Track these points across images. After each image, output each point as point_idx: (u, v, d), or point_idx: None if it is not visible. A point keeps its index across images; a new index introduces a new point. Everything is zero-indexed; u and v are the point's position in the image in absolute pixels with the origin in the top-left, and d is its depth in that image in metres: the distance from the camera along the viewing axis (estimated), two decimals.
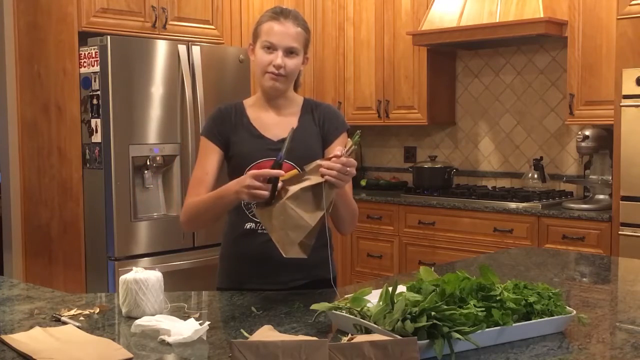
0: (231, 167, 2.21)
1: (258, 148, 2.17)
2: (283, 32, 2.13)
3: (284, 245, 1.89)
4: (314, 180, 1.89)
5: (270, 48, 2.14)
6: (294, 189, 1.89)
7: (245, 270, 2.21)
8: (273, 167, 1.91)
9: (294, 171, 2.14)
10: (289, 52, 2.15)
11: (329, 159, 1.89)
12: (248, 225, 2.18)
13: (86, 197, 3.97)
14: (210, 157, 2.21)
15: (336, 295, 2.04)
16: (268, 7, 2.33)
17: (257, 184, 1.89)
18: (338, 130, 2.24)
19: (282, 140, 2.15)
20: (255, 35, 2.19)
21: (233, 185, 2.00)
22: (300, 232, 1.88)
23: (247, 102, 2.28)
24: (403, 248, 4.67)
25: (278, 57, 2.13)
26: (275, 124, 2.21)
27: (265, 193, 1.89)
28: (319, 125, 2.23)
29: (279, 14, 2.16)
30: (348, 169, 1.87)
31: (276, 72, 2.14)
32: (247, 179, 1.91)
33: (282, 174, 1.90)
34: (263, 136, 2.20)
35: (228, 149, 2.22)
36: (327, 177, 1.87)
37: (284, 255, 1.90)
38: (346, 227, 2.19)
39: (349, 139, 1.92)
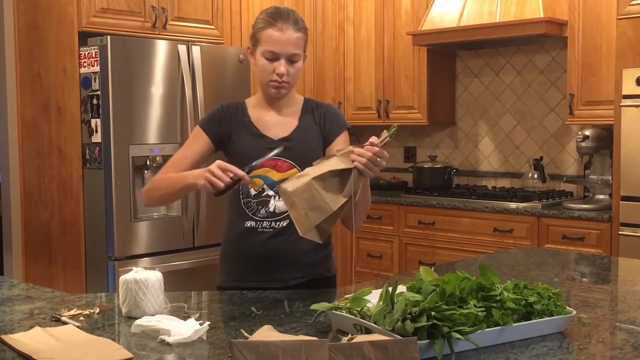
0: (231, 164, 2.22)
1: (258, 147, 2.17)
2: (284, 40, 2.12)
3: (302, 224, 1.89)
4: (343, 165, 1.88)
5: (273, 58, 2.14)
6: (321, 170, 1.88)
7: (246, 269, 2.22)
8: (244, 170, 1.97)
9: (294, 170, 2.15)
10: (291, 59, 2.15)
11: (363, 146, 1.88)
12: (248, 224, 2.19)
13: (86, 197, 3.97)
14: (196, 144, 2.24)
15: (336, 295, 2.04)
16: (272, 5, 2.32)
17: (219, 173, 1.92)
18: (339, 129, 2.25)
19: (283, 139, 2.17)
20: (255, 40, 2.18)
21: (197, 170, 2.05)
22: (320, 214, 1.88)
23: (249, 102, 2.29)
24: (403, 248, 4.67)
25: (281, 66, 2.14)
26: (276, 123, 2.22)
27: (220, 184, 1.92)
28: (319, 124, 2.24)
29: (277, 18, 2.13)
30: (379, 159, 1.87)
31: (280, 80, 2.15)
32: (212, 165, 1.96)
33: (247, 180, 1.96)
34: (264, 135, 2.21)
35: (222, 146, 2.24)
36: (356, 163, 1.87)
37: (300, 234, 1.90)
38: (358, 220, 2.19)
39: (384, 131, 1.90)
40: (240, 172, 1.94)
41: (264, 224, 2.17)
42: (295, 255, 2.17)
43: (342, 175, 1.88)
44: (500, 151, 4.93)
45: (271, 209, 2.17)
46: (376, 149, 1.86)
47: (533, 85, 4.73)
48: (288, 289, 2.15)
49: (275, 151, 2.06)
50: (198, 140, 2.23)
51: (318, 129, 2.23)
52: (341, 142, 2.23)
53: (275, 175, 2.17)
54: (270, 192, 2.16)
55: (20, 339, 1.60)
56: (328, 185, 1.87)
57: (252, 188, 2.18)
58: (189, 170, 2.13)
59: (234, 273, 2.25)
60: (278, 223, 2.16)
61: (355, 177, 1.88)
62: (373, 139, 1.88)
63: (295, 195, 1.87)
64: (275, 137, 2.20)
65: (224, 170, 1.94)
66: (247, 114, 2.25)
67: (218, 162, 1.97)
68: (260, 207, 2.17)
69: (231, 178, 1.94)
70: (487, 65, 4.95)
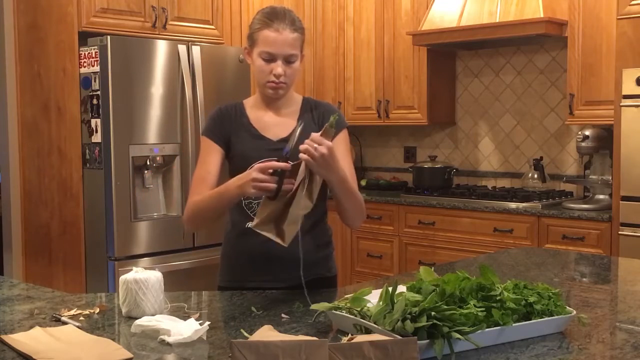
0: (232, 167, 2.21)
1: (258, 148, 2.17)
2: (281, 41, 2.11)
3: (257, 218, 1.92)
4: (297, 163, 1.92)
5: (269, 59, 2.13)
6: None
7: (246, 269, 2.22)
8: (279, 161, 1.92)
9: None
10: (288, 60, 2.15)
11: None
12: (249, 224, 2.18)
13: (86, 197, 3.97)
14: (211, 156, 2.21)
15: (336, 295, 2.04)
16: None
17: (263, 176, 1.89)
18: (338, 128, 2.24)
19: (283, 140, 2.15)
20: (252, 40, 2.17)
21: (235, 180, 2.01)
22: (271, 207, 1.90)
23: (247, 103, 2.28)
24: (403, 248, 4.67)
25: (278, 67, 2.13)
26: (275, 124, 2.22)
27: (272, 186, 1.88)
28: (318, 124, 2.23)
29: (273, 19, 2.12)
30: (315, 145, 1.87)
31: (277, 80, 2.14)
32: (252, 172, 1.91)
33: (288, 167, 1.89)
34: (263, 136, 2.20)
35: (229, 148, 2.22)
36: (300, 154, 1.88)
37: (250, 224, 1.95)
38: (352, 219, 2.19)
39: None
40: (280, 164, 1.90)
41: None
42: (295, 255, 2.16)
43: (292, 172, 1.91)
44: (500, 151, 4.93)
45: None
46: (314, 136, 1.88)
47: (533, 85, 4.74)
48: (289, 289, 2.15)
49: (298, 130, 2.05)
50: (211, 151, 2.21)
51: (317, 128, 2.23)
52: (341, 141, 2.22)
53: None
54: None
55: (20, 339, 1.60)
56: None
57: None
58: (222, 185, 2.10)
59: (235, 273, 2.25)
60: None
61: (302, 170, 1.89)
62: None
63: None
64: (275, 137, 2.19)
65: (264, 171, 1.90)
66: (245, 115, 2.24)
67: (255, 166, 1.93)
68: None
69: (274, 174, 1.90)
70: (487, 65, 4.95)
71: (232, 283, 2.23)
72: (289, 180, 1.90)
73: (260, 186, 1.89)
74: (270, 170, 1.89)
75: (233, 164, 2.20)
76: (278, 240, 1.92)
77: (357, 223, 2.24)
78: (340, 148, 2.20)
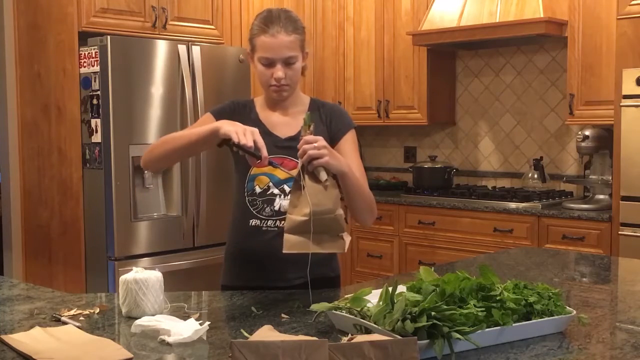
0: (237, 160, 2.21)
1: (266, 144, 2.16)
2: (277, 45, 2.12)
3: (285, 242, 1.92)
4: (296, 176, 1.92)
5: (269, 64, 2.14)
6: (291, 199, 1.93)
7: (251, 268, 2.21)
8: (269, 163, 1.98)
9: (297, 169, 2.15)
10: (287, 62, 2.15)
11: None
12: (253, 222, 2.18)
13: (86, 197, 3.97)
14: None
15: (338, 295, 2.04)
16: (268, 7, 2.32)
17: (250, 140, 1.91)
18: (345, 128, 2.25)
19: (291, 138, 2.17)
20: (252, 46, 2.19)
21: (219, 121, 2.03)
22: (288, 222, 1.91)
23: (257, 101, 2.31)
24: (403, 248, 4.67)
25: (278, 71, 2.14)
26: (284, 123, 2.23)
27: (244, 141, 1.89)
28: (325, 124, 2.24)
29: (268, 24, 2.13)
30: (315, 144, 1.89)
31: (279, 84, 2.15)
32: (249, 127, 1.95)
33: (263, 164, 1.94)
34: (271, 133, 2.21)
35: (226, 140, 2.22)
36: (299, 162, 1.90)
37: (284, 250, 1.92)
38: (361, 214, 2.19)
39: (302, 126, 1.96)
40: (265, 153, 1.93)
41: (268, 223, 2.16)
42: (299, 255, 2.16)
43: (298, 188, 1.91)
44: (500, 151, 4.93)
45: (276, 208, 2.16)
46: (305, 138, 1.90)
47: (533, 85, 4.74)
48: (292, 288, 2.14)
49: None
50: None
51: (325, 128, 2.23)
52: (348, 141, 2.23)
53: (281, 174, 2.16)
54: (276, 191, 2.16)
55: (20, 339, 1.60)
56: (295, 199, 1.90)
57: (257, 186, 2.17)
58: None
59: (238, 272, 2.25)
60: (283, 222, 2.14)
61: (304, 173, 1.90)
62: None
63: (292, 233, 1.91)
64: (283, 135, 2.21)
65: (256, 141, 1.92)
66: (255, 112, 2.26)
67: (255, 129, 1.96)
68: (265, 206, 2.17)
69: (254, 150, 1.92)
70: (487, 65, 4.95)
71: (236, 282, 2.23)
72: (252, 160, 1.96)
73: (240, 133, 1.91)
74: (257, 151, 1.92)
75: (239, 158, 2.18)
76: (333, 251, 1.93)
77: (368, 220, 2.22)
78: (349, 147, 2.21)
